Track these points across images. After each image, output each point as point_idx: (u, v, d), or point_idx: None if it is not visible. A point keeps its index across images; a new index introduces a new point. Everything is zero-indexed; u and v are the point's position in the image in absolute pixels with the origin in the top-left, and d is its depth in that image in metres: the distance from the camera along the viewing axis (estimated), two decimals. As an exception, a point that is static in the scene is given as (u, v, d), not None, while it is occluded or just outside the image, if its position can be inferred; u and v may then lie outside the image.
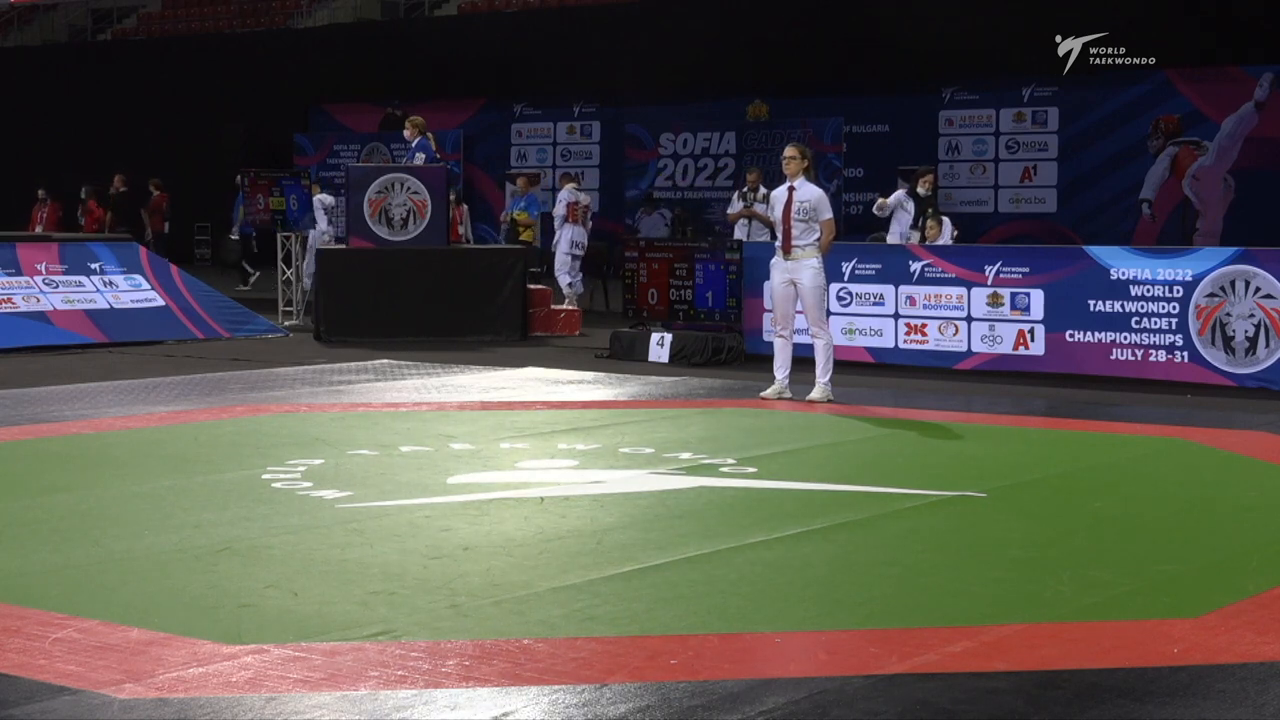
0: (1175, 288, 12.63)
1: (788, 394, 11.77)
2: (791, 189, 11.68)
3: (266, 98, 32.19)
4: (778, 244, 11.88)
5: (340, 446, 9.33)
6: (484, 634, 5.40)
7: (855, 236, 19.98)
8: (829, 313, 12.82)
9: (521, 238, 19.96)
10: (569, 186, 20.04)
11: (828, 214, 11.69)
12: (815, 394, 11.64)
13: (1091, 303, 12.96)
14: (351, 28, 32.74)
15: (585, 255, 19.76)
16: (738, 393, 12.25)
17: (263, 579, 6.14)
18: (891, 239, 16.65)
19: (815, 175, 12.24)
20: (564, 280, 19.12)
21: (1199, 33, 24.18)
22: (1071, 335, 13.08)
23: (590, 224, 20.14)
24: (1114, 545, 6.96)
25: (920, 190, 16.60)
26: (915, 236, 16.64)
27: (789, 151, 11.79)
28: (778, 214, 11.79)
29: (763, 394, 11.86)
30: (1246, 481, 8.75)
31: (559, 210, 19.64)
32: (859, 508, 7.72)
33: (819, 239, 11.64)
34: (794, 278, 11.66)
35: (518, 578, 6.18)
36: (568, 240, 19.38)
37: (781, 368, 11.88)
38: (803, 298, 11.70)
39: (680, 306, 14.92)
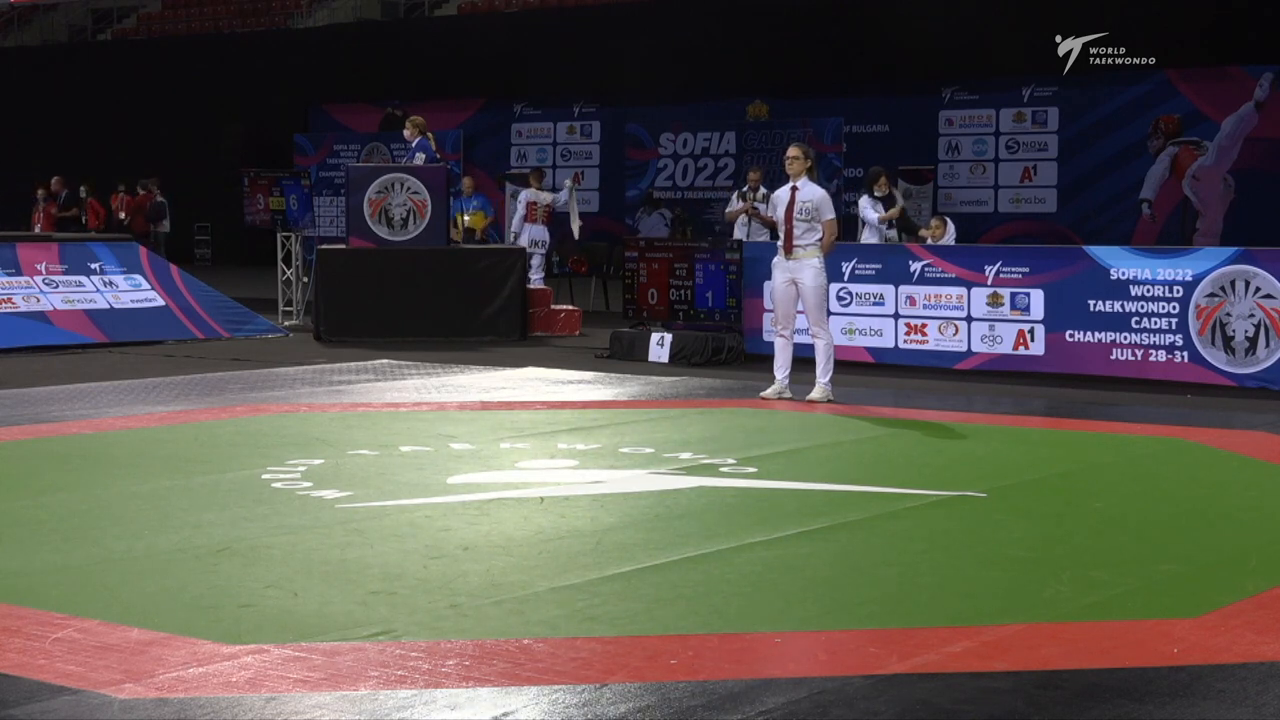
0: (1175, 288, 12.63)
1: (788, 394, 11.77)
2: (794, 189, 11.68)
3: (266, 98, 32.20)
4: (779, 244, 11.89)
5: (340, 446, 9.33)
6: (484, 634, 5.40)
7: (854, 236, 19.99)
8: (829, 313, 12.82)
9: (476, 238, 20.07)
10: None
11: (830, 214, 11.69)
12: (815, 394, 11.64)
13: (1091, 303, 12.96)
14: (351, 28, 32.75)
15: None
16: (738, 393, 12.25)
17: (263, 579, 6.14)
18: (866, 239, 16.67)
19: (818, 175, 12.25)
20: None
21: (1199, 33, 24.18)
22: (1071, 335, 13.07)
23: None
24: (1114, 545, 6.96)
25: (876, 193, 16.59)
26: (894, 234, 16.65)
27: (792, 151, 11.79)
28: (780, 214, 11.78)
29: (763, 394, 11.86)
30: (1246, 481, 8.75)
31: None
32: (859, 508, 7.71)
33: (821, 239, 11.64)
34: (795, 277, 11.66)
35: (518, 578, 6.18)
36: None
37: (781, 368, 11.88)
38: (804, 297, 11.70)
39: (680, 306, 14.91)
